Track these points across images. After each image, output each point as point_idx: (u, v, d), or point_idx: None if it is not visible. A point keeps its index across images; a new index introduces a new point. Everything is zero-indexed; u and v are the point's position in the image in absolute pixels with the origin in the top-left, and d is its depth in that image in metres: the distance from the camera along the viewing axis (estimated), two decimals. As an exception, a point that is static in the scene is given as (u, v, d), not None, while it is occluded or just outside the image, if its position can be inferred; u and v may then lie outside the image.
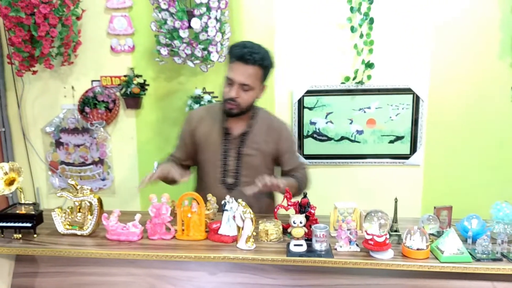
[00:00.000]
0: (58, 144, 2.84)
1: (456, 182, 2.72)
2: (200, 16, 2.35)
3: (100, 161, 2.85)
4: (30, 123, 2.86)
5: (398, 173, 2.76)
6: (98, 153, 2.84)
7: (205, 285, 1.71)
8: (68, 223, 1.74)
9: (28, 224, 1.68)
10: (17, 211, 1.72)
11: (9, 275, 1.78)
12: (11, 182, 1.73)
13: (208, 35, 2.39)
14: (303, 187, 2.10)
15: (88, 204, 1.71)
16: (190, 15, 2.37)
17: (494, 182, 2.69)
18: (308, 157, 2.77)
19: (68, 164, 2.86)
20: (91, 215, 1.71)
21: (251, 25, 2.67)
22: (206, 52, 2.46)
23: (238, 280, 1.70)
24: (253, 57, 1.89)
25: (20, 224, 1.67)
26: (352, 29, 2.59)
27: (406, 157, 2.72)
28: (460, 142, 2.69)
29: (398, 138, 2.70)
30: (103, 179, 2.87)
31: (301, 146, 2.76)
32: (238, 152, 2.06)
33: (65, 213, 1.74)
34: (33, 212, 1.71)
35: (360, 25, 2.59)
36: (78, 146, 2.84)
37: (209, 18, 2.37)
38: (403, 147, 2.71)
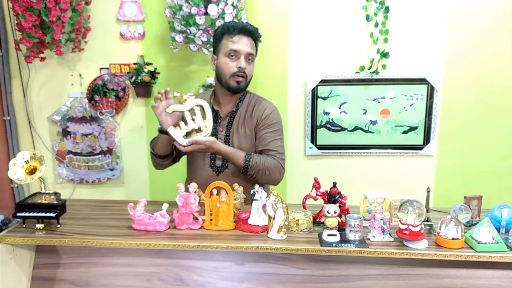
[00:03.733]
0: (65, 133, 2.77)
1: (468, 173, 2.73)
2: (217, 2, 2.30)
3: (109, 151, 2.79)
4: (36, 112, 2.78)
5: (411, 163, 2.76)
6: (107, 142, 2.78)
7: (232, 276, 1.69)
8: (184, 136, 1.79)
9: (52, 214, 1.63)
10: (39, 201, 1.68)
11: (30, 266, 1.73)
12: (31, 171, 1.68)
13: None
14: (261, 172, 1.91)
15: (199, 108, 1.79)
16: (207, 1, 2.32)
17: (507, 173, 2.70)
18: (321, 147, 2.75)
19: (75, 153, 2.79)
20: (204, 119, 1.79)
21: (266, 13, 2.62)
22: (221, 40, 2.41)
23: (265, 270, 1.68)
24: (251, 29, 1.96)
25: (43, 214, 1.63)
26: (368, 17, 2.57)
27: (419, 147, 2.72)
28: (474, 134, 2.69)
29: (412, 128, 2.70)
30: (111, 169, 2.81)
31: (314, 136, 2.74)
32: (226, 133, 2.01)
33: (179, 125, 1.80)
34: (56, 202, 1.67)
35: (376, 14, 2.57)
36: (86, 135, 2.77)
37: (226, 4, 2.32)
38: (416, 138, 2.71)
